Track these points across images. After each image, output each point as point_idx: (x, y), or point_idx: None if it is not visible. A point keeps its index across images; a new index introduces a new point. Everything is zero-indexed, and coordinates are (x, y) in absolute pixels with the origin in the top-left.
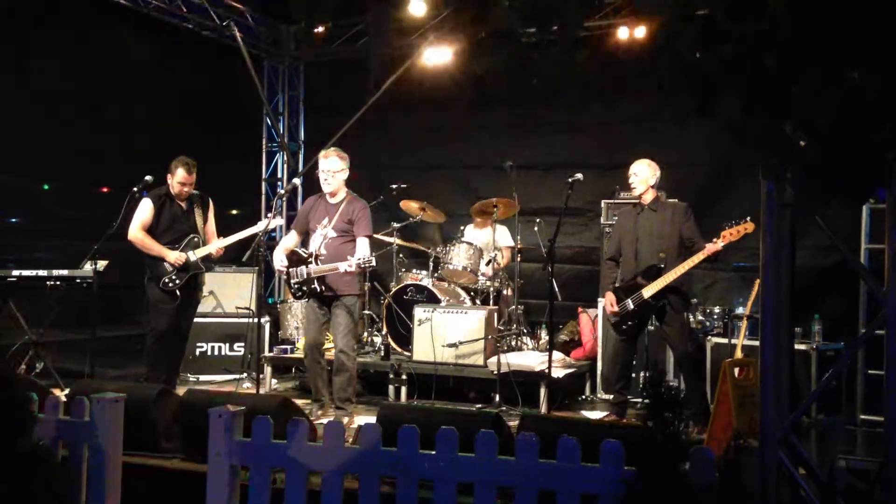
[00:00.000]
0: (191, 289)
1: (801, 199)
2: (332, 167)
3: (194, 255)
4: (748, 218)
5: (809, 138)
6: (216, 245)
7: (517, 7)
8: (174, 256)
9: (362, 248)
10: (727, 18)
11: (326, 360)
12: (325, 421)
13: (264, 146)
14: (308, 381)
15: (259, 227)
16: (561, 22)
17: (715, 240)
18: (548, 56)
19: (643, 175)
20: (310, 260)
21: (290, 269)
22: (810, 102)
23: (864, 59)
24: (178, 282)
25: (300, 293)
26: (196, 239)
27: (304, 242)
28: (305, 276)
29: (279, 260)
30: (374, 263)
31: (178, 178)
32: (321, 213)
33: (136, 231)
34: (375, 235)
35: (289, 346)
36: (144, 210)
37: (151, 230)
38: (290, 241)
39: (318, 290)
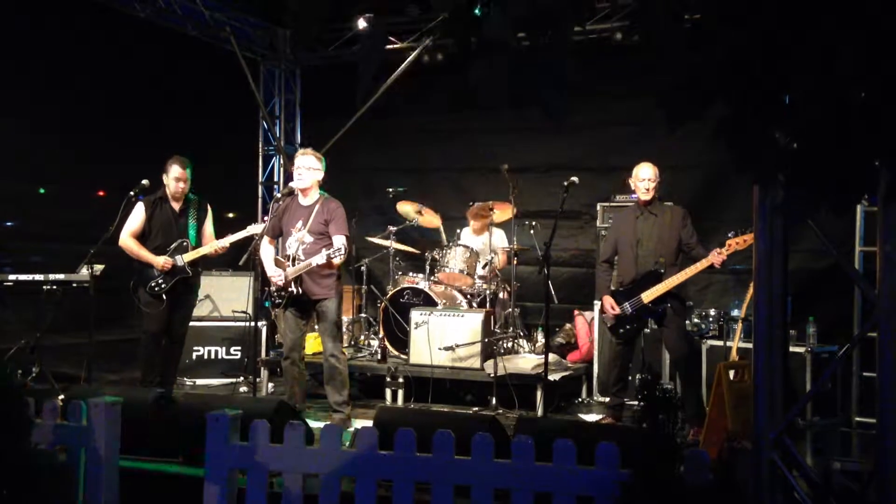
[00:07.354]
0: (179, 293)
1: (791, 205)
2: (307, 163)
3: (181, 260)
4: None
5: (799, 144)
6: (207, 249)
7: (509, 14)
8: (161, 262)
9: (337, 243)
10: (717, 22)
11: (306, 365)
12: (321, 424)
13: (261, 149)
14: (284, 387)
15: (253, 230)
16: (554, 28)
17: (720, 249)
18: (539, 62)
19: (657, 180)
20: (288, 264)
21: (271, 276)
22: (800, 108)
23: (853, 64)
24: (164, 286)
25: (280, 300)
26: (185, 243)
27: (278, 245)
28: (284, 281)
29: (278, 275)
30: (342, 252)
31: (174, 174)
32: (295, 215)
33: (126, 238)
34: (371, 239)
35: None
36: (135, 216)
37: (143, 234)
38: (270, 252)
39: (296, 292)
